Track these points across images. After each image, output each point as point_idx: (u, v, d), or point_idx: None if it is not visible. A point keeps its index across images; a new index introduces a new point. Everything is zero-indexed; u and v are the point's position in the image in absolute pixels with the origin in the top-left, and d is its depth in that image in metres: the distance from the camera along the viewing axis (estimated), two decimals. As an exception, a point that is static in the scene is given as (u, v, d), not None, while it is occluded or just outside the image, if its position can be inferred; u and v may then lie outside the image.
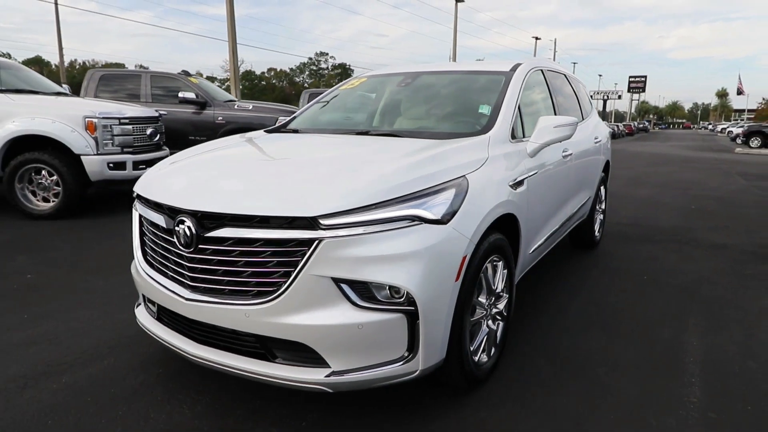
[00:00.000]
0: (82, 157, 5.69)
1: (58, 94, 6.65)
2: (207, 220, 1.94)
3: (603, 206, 4.97)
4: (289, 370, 1.90)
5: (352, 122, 3.28)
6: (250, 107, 8.70)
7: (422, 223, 1.89)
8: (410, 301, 1.83)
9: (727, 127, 51.69)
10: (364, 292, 1.83)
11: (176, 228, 1.99)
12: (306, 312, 1.82)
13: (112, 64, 68.02)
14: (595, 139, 4.32)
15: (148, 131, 6.56)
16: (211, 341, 2.05)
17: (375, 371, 1.87)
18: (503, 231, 2.41)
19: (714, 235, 5.47)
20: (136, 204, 2.38)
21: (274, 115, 8.57)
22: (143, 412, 2.16)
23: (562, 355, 2.68)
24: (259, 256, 1.87)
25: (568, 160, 3.38)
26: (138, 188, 2.37)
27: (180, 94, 8.22)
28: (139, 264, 2.29)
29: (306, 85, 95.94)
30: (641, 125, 73.07)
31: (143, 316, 2.39)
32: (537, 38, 48.96)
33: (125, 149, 6.09)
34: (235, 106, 8.61)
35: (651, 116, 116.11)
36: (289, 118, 3.43)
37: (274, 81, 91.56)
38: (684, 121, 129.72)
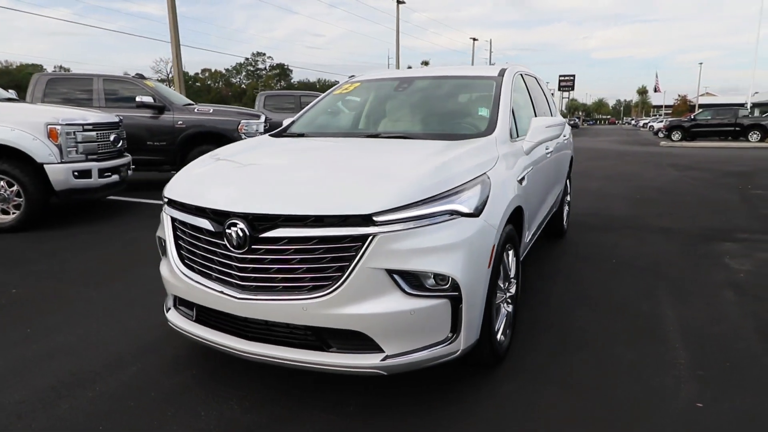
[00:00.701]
0: (45, 166, 5.46)
1: (9, 99, 6.32)
2: (258, 221, 2.05)
3: (569, 198, 5.40)
4: (344, 357, 2.05)
5: (357, 126, 3.43)
6: (211, 110, 8.59)
7: (459, 216, 2.10)
8: (454, 287, 2.03)
9: (648, 122, 55.73)
10: (413, 281, 2.01)
11: (226, 231, 2.09)
12: (362, 302, 1.98)
13: (28, 65, 63.35)
14: (564, 136, 4.71)
15: (112, 137, 6.37)
16: (264, 337, 2.16)
17: (423, 353, 2.06)
18: (510, 223, 2.67)
19: (662, 221, 6.05)
20: (167, 209, 2.43)
21: (237, 118, 8.50)
22: (192, 410, 2.24)
23: (561, 331, 2.98)
24: (314, 253, 2.01)
25: (549, 156, 3.70)
26: (171, 194, 2.42)
27: (137, 98, 7.98)
28: (177, 268, 2.34)
29: (243, 86, 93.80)
30: (572, 122, 77.15)
31: (178, 319, 2.44)
32: (474, 39, 50.64)
33: (89, 156, 5.89)
34: (195, 110, 8.46)
35: (580, 113, 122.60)
36: (289, 122, 3.54)
37: (209, 82, 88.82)
38: (609, 117, 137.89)
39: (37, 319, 3.19)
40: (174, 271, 2.36)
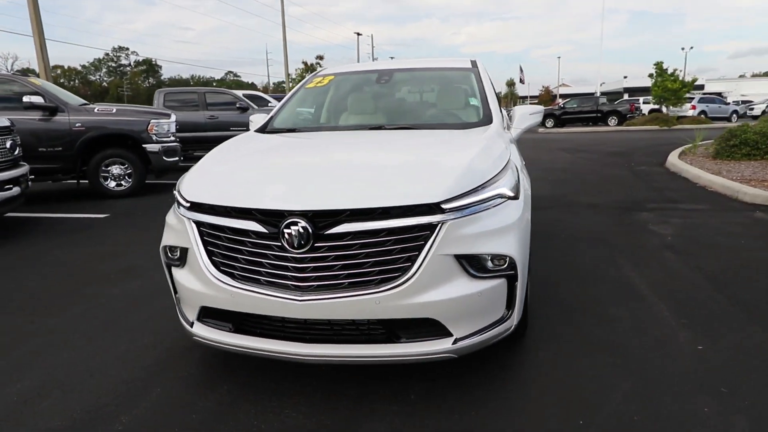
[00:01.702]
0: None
1: None
2: (320, 218, 1.98)
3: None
4: (414, 346, 2.06)
5: (351, 119, 3.36)
6: (114, 110, 7.79)
7: (506, 200, 2.21)
8: (512, 266, 2.13)
9: None
10: (477, 264, 2.07)
11: (284, 231, 1.98)
12: (433, 290, 2.00)
13: None
14: (509, 124, 5.04)
15: (8, 144, 5.56)
16: (326, 337, 2.09)
17: (487, 333, 2.14)
18: None
19: (584, 197, 6.72)
20: (189, 214, 2.22)
21: (145, 118, 7.83)
22: (249, 424, 2.10)
23: (559, 302, 3.23)
24: (382, 245, 1.98)
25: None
26: (195, 196, 2.22)
27: (25, 98, 6.99)
28: (211, 277, 2.16)
29: (105, 83, 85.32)
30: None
31: (207, 332, 2.26)
32: (359, 34, 51.13)
33: (-15, 168, 5.09)
34: (96, 110, 7.62)
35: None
36: (266, 120, 3.37)
37: (62, 80, 79.36)
38: None
39: (18, 350, 2.75)
40: (208, 281, 2.17)
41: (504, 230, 2.12)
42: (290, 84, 41.18)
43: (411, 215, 1.98)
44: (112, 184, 7.70)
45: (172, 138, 8.14)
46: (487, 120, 3.00)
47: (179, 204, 2.32)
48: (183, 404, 2.26)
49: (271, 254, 2.05)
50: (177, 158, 8.15)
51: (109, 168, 7.67)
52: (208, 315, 2.28)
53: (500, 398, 2.24)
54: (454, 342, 2.07)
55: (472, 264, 2.06)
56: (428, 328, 2.07)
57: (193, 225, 2.22)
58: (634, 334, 2.76)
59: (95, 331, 3.02)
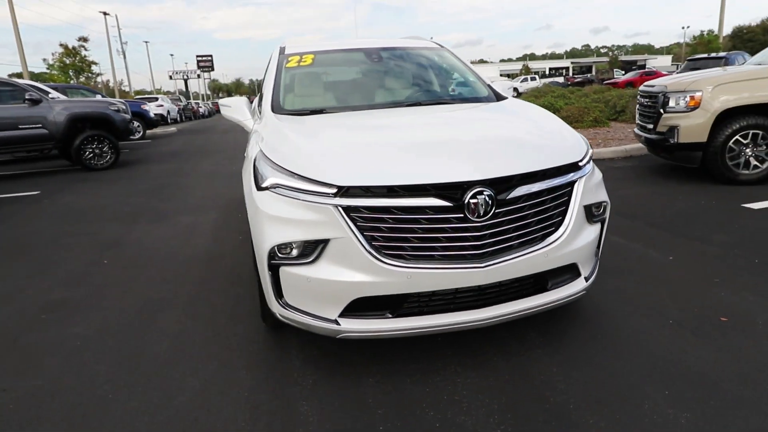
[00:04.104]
0: None
1: None
2: (499, 185, 2.07)
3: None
4: (559, 292, 2.32)
5: (362, 98, 3.24)
6: None
7: (587, 159, 2.61)
8: (605, 210, 2.55)
9: None
10: (591, 211, 2.42)
11: (470, 201, 2.01)
12: (576, 238, 2.29)
13: None
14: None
15: None
16: (493, 300, 2.19)
17: (595, 271, 2.53)
18: None
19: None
20: (342, 201, 2.02)
21: None
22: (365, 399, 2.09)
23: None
24: (544, 204, 2.19)
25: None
26: (347, 180, 2.02)
27: None
28: (378, 263, 2.02)
29: None
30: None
31: (360, 325, 2.13)
32: (105, 13, 44.24)
33: None
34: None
35: (222, 94, 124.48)
36: (269, 104, 3.06)
37: None
38: (252, 96, 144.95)
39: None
40: (372, 268, 2.03)
41: (600, 182, 2.53)
42: (51, 72, 34.20)
43: (559, 175, 2.23)
44: None
45: None
46: (496, 96, 3.32)
47: (311, 192, 2.07)
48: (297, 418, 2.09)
49: (449, 227, 2.05)
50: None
51: None
52: (356, 307, 2.13)
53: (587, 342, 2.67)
54: (586, 280, 2.41)
55: (590, 212, 2.41)
56: (568, 273, 2.36)
57: (342, 211, 2.03)
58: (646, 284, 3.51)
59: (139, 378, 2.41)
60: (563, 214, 2.25)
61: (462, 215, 2.03)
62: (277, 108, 3.01)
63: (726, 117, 5.07)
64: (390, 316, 2.14)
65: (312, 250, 2.11)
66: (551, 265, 2.23)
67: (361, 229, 2.04)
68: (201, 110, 40.13)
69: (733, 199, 4.75)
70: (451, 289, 2.11)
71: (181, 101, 35.39)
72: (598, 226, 2.47)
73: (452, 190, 2.03)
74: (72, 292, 3.49)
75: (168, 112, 25.92)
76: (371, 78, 3.42)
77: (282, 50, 3.61)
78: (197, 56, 78.19)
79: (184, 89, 67.16)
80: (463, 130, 2.57)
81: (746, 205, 4.52)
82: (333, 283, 2.08)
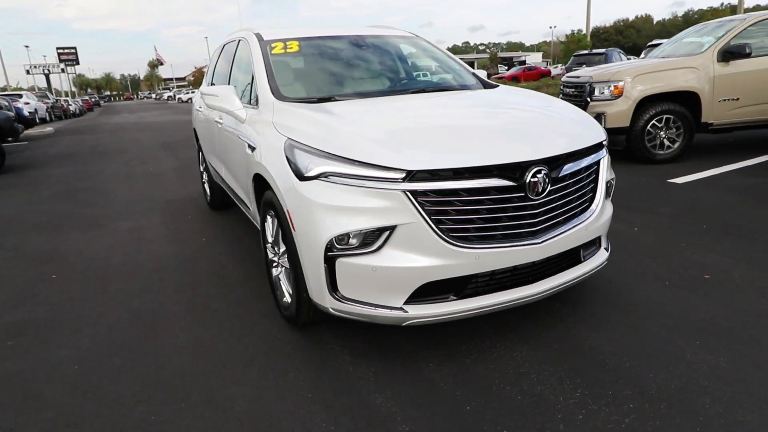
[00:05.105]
0: None
1: None
2: (552, 164, 2.17)
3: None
4: (590, 263, 2.49)
5: (365, 84, 3.16)
6: None
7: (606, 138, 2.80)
8: (612, 187, 2.78)
9: (173, 94, 59.17)
10: (607, 187, 2.63)
11: (531, 180, 2.09)
12: (602, 212, 2.48)
13: None
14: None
15: None
16: (541, 274, 2.30)
17: (609, 245, 2.74)
18: None
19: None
20: (411, 185, 1.99)
21: None
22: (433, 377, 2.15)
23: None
24: (583, 180, 2.35)
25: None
26: (414, 164, 1.99)
27: None
28: (450, 245, 2.03)
29: None
30: (94, 99, 71.64)
31: (429, 309, 2.12)
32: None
33: None
34: None
35: (90, 90, 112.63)
36: (269, 90, 2.88)
37: None
38: (126, 93, 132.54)
39: None
40: (443, 252, 2.03)
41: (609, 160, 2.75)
42: None
43: (592, 153, 2.40)
44: None
45: None
46: (481, 81, 3.44)
47: (376, 179, 2.01)
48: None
49: (510, 206, 2.11)
50: None
51: None
52: (420, 293, 2.12)
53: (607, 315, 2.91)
54: (606, 251, 2.61)
55: (607, 188, 2.62)
56: (593, 245, 2.54)
57: (411, 196, 2.01)
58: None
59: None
60: (594, 190, 2.43)
61: (522, 194, 2.11)
62: (279, 96, 2.85)
63: (644, 104, 5.72)
64: (454, 298, 2.16)
65: (376, 238, 2.06)
66: (588, 237, 2.39)
67: (428, 213, 2.03)
68: (71, 108, 36.04)
69: (658, 175, 5.38)
70: (510, 267, 2.17)
71: (49, 98, 31.46)
72: (609, 200, 2.69)
73: (513, 171, 2.09)
74: (29, 313, 3.02)
75: (36, 110, 22.92)
76: (367, 65, 3.36)
77: (259, 36, 3.41)
78: (58, 48, 70.40)
79: (45, 85, 59.80)
80: (499, 114, 2.64)
81: (671, 180, 5.15)
82: (401, 270, 2.05)
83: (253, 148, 2.73)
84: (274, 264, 2.76)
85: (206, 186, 5.28)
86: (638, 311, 2.61)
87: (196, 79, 77.28)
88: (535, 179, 2.10)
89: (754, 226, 3.71)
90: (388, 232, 2.04)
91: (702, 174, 5.30)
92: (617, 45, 59.55)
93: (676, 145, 5.87)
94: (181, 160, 9.09)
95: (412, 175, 2.01)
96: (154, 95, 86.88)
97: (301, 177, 2.19)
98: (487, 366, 2.23)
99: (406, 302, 2.12)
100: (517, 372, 2.17)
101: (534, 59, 74.10)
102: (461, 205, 2.06)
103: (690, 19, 79.33)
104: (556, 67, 38.31)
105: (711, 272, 3.01)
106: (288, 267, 2.52)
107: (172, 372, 2.32)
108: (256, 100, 3.00)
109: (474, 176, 2.05)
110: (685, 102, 5.74)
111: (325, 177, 2.11)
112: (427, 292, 2.13)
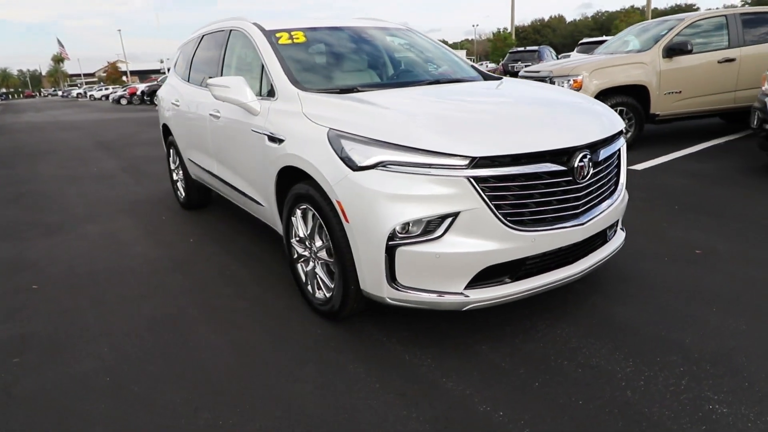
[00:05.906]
0: None
1: None
2: (593, 149, 2.30)
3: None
4: (614, 243, 2.66)
5: (382, 74, 3.14)
6: None
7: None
8: (620, 172, 2.97)
9: (83, 91, 55.63)
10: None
11: (578, 165, 2.20)
12: (622, 195, 2.66)
13: None
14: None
15: None
16: (579, 255, 2.42)
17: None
18: None
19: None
20: (474, 172, 2.03)
21: None
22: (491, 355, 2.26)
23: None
24: (613, 163, 2.52)
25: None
26: (476, 151, 2.03)
27: None
28: (510, 230, 2.09)
29: None
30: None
31: (488, 293, 2.18)
32: None
33: None
34: None
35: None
36: (285, 79, 2.80)
37: None
38: (27, 90, 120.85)
39: None
40: (504, 236, 2.10)
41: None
42: None
43: (618, 139, 2.56)
44: None
45: None
46: (482, 74, 3.55)
47: (440, 166, 2.04)
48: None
49: (560, 190, 2.22)
50: None
51: None
52: (479, 277, 2.18)
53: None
54: (623, 230, 2.80)
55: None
56: (614, 227, 2.71)
57: (474, 182, 2.05)
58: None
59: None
60: (619, 174, 2.60)
61: (570, 178, 2.22)
62: (301, 87, 2.78)
63: (599, 96, 6.12)
64: (509, 281, 2.24)
65: (438, 224, 2.08)
66: (615, 218, 2.56)
67: (490, 199, 2.09)
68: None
69: (617, 163, 5.79)
70: (557, 248, 2.28)
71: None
72: (622, 184, 2.88)
73: (562, 156, 2.20)
74: (24, 328, 2.75)
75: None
76: (379, 56, 3.35)
77: (260, 26, 3.30)
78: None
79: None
80: (532, 103, 2.69)
81: (630, 167, 5.56)
82: (464, 255, 2.10)
83: (277, 140, 2.65)
84: (303, 259, 2.71)
85: (180, 185, 5.02)
86: (651, 285, 2.82)
87: (109, 75, 72.06)
88: (582, 163, 2.22)
89: (717, 205, 4.11)
90: (451, 219, 2.07)
91: (656, 161, 5.77)
92: (535, 43, 62.77)
93: (629, 135, 6.33)
94: (126, 160, 8.52)
95: (474, 162, 2.05)
96: (60, 92, 79.59)
97: (355, 167, 2.16)
98: (537, 344, 2.33)
99: (467, 287, 2.16)
100: (569, 347, 2.29)
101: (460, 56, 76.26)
102: (518, 189, 2.13)
103: (599, 20, 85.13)
104: (482, 65, 39.82)
105: (700, 247, 3.30)
106: (327, 261, 2.48)
107: (221, 375, 2.22)
108: (269, 92, 2.91)
109: (529, 162, 2.13)
110: (637, 95, 6.20)
111: (384, 166, 2.11)
112: (485, 276, 2.18)
